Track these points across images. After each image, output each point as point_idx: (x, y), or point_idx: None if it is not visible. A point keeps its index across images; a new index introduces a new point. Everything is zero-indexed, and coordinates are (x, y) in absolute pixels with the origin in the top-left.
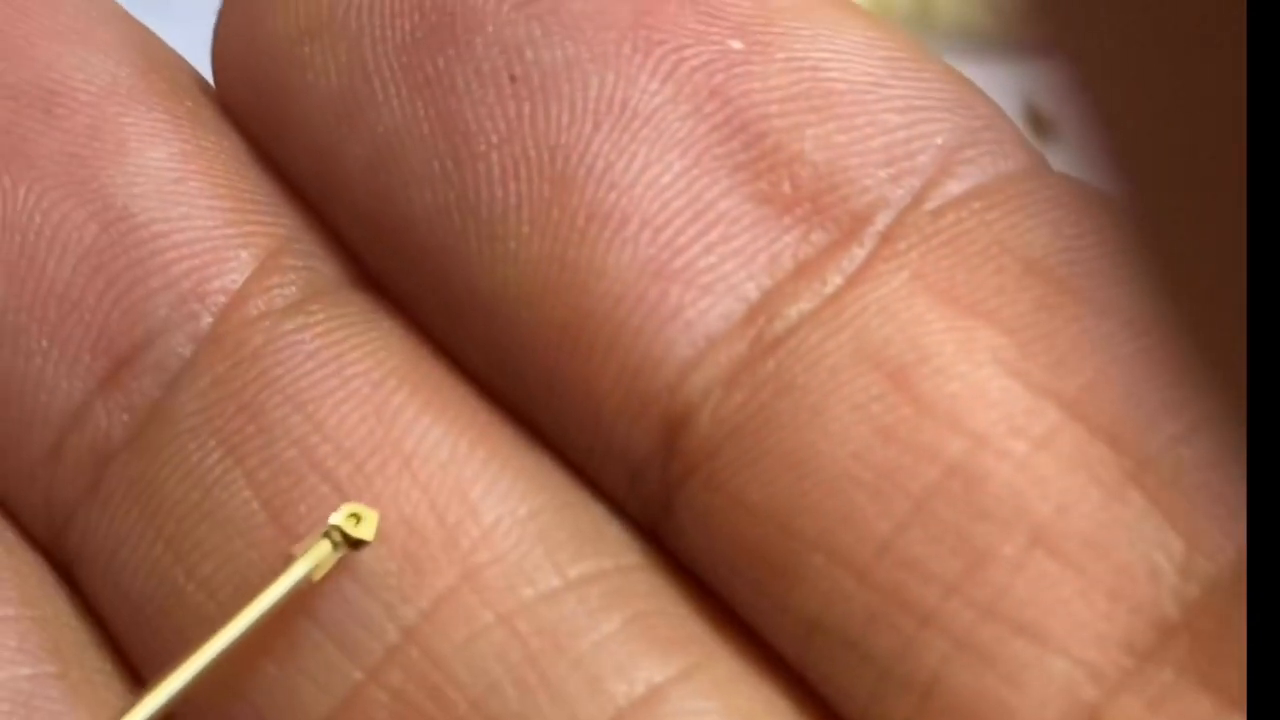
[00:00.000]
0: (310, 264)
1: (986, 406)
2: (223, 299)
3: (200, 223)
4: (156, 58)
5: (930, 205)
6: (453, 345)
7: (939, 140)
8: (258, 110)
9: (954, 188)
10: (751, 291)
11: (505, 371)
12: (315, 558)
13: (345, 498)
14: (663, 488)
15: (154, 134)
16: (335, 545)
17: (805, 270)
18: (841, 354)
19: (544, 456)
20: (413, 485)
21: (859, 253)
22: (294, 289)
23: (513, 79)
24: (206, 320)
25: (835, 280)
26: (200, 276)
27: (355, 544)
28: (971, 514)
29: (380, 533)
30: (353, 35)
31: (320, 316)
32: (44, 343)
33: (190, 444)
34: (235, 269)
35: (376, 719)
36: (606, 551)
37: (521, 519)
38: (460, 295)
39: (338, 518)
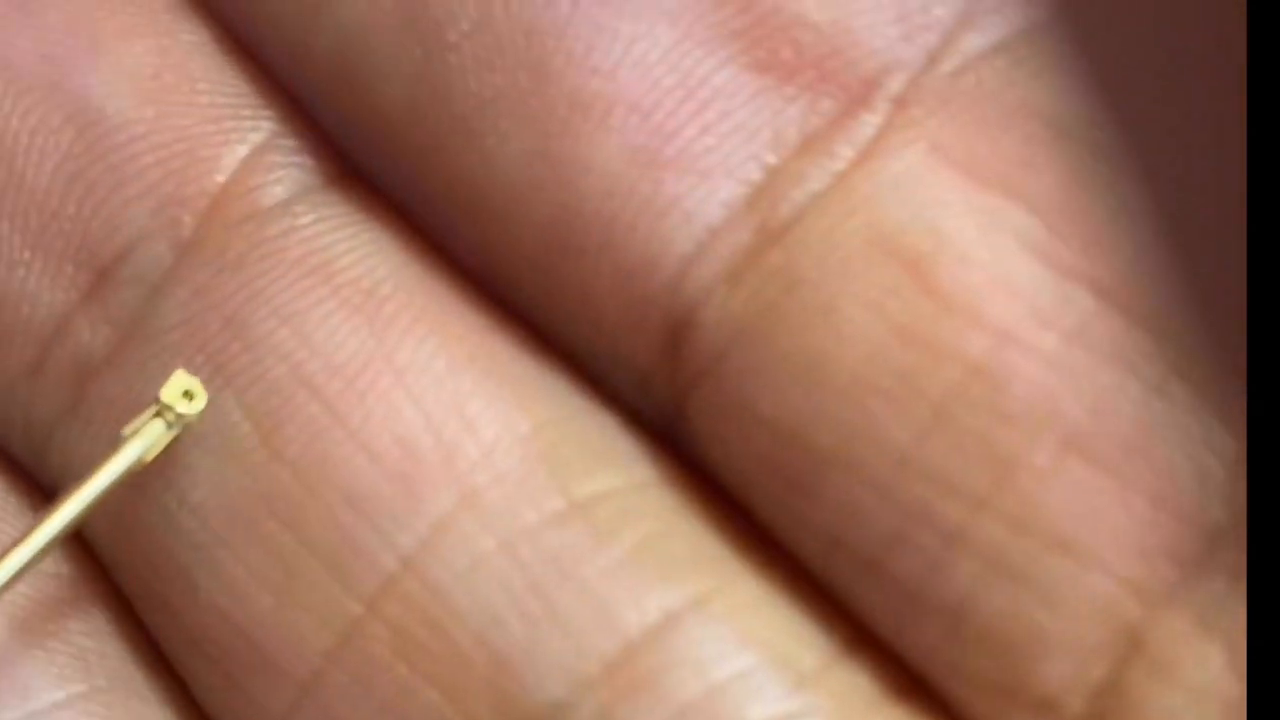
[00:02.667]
0: (295, 161)
1: (1011, 297)
2: (204, 202)
3: (179, 122)
4: None
5: (948, 66)
6: (444, 247)
7: None
8: (229, 2)
9: (974, 43)
10: (754, 172)
11: (498, 275)
12: (148, 438)
13: (338, 418)
14: (673, 394)
15: (130, 30)
16: (169, 425)
17: (812, 145)
18: (853, 243)
19: (546, 365)
20: (407, 401)
21: (870, 122)
22: (279, 188)
23: None
24: (187, 226)
25: (845, 154)
26: (180, 180)
27: (187, 420)
28: (997, 419)
29: (375, 453)
30: None
31: (307, 219)
32: (25, 254)
33: (174, 361)
34: (216, 170)
35: (376, 654)
36: (616, 467)
37: (523, 436)
38: (444, 196)
39: (170, 394)
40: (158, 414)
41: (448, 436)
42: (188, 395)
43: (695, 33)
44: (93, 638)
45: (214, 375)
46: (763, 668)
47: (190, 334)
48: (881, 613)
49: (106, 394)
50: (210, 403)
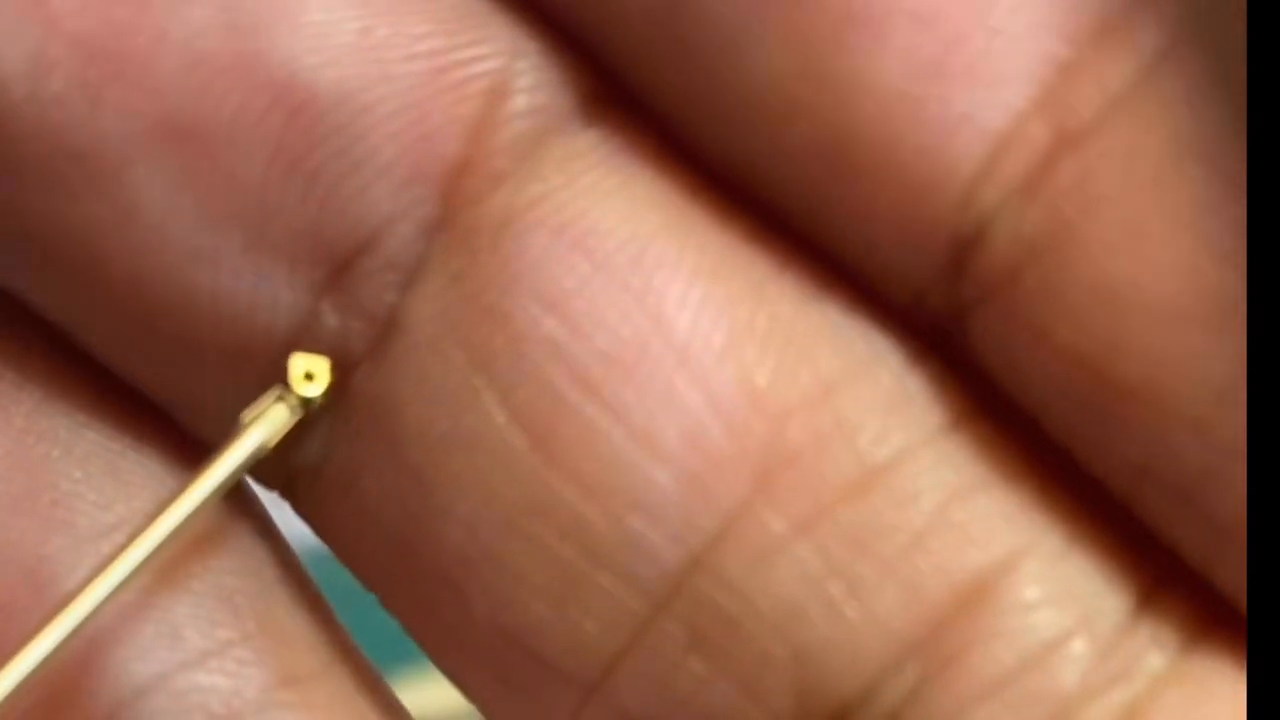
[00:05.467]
0: (537, 98)
1: None
2: (446, 174)
3: (402, 84)
4: None
5: None
6: (706, 168)
7: None
8: None
9: None
10: (1047, 72)
11: (764, 193)
12: (271, 424)
13: (618, 417)
14: (952, 310)
15: None
16: (292, 410)
17: (1112, 29)
18: (1163, 152)
19: (826, 306)
20: (691, 387)
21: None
22: (524, 141)
23: None
24: (433, 204)
25: (1149, 41)
26: (416, 153)
27: (310, 403)
28: None
29: (662, 453)
30: None
31: (559, 180)
32: (249, 259)
33: (430, 359)
34: (454, 133)
35: (669, 652)
36: (907, 418)
37: (814, 400)
38: (703, 113)
39: (292, 376)
40: (279, 398)
41: (737, 420)
42: (309, 377)
43: None
44: (240, 578)
45: (475, 373)
46: (1074, 630)
47: (449, 327)
48: (1192, 544)
49: (366, 391)
50: (472, 405)
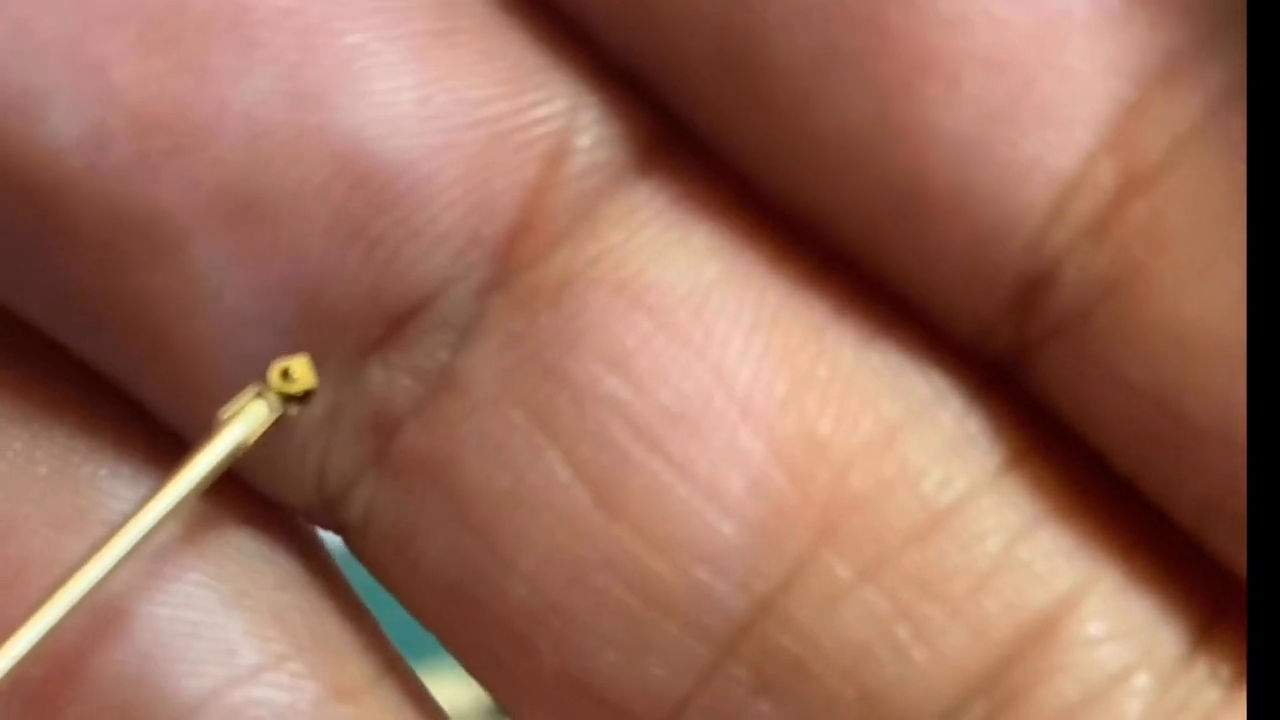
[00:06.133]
0: (597, 155)
1: None
2: (507, 236)
3: (463, 151)
4: None
5: None
6: (772, 209)
7: None
8: None
9: None
10: (1115, 113)
11: (831, 241)
12: (250, 421)
13: (682, 472)
14: (1018, 346)
15: (380, 37)
16: (272, 407)
17: (1179, 68)
18: (1230, 190)
19: (887, 348)
20: (754, 438)
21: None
22: (582, 200)
23: None
24: (491, 266)
25: (1216, 79)
26: (476, 219)
27: (290, 400)
28: None
29: (727, 504)
30: None
31: (618, 238)
32: (301, 323)
33: (491, 417)
34: (514, 196)
35: (736, 696)
36: (969, 459)
37: (878, 446)
38: (765, 159)
39: (272, 374)
40: (259, 395)
41: (800, 467)
42: (286, 375)
43: None
44: (289, 593)
45: (537, 431)
46: (1137, 664)
47: (508, 387)
48: None
49: (414, 448)
50: (534, 463)
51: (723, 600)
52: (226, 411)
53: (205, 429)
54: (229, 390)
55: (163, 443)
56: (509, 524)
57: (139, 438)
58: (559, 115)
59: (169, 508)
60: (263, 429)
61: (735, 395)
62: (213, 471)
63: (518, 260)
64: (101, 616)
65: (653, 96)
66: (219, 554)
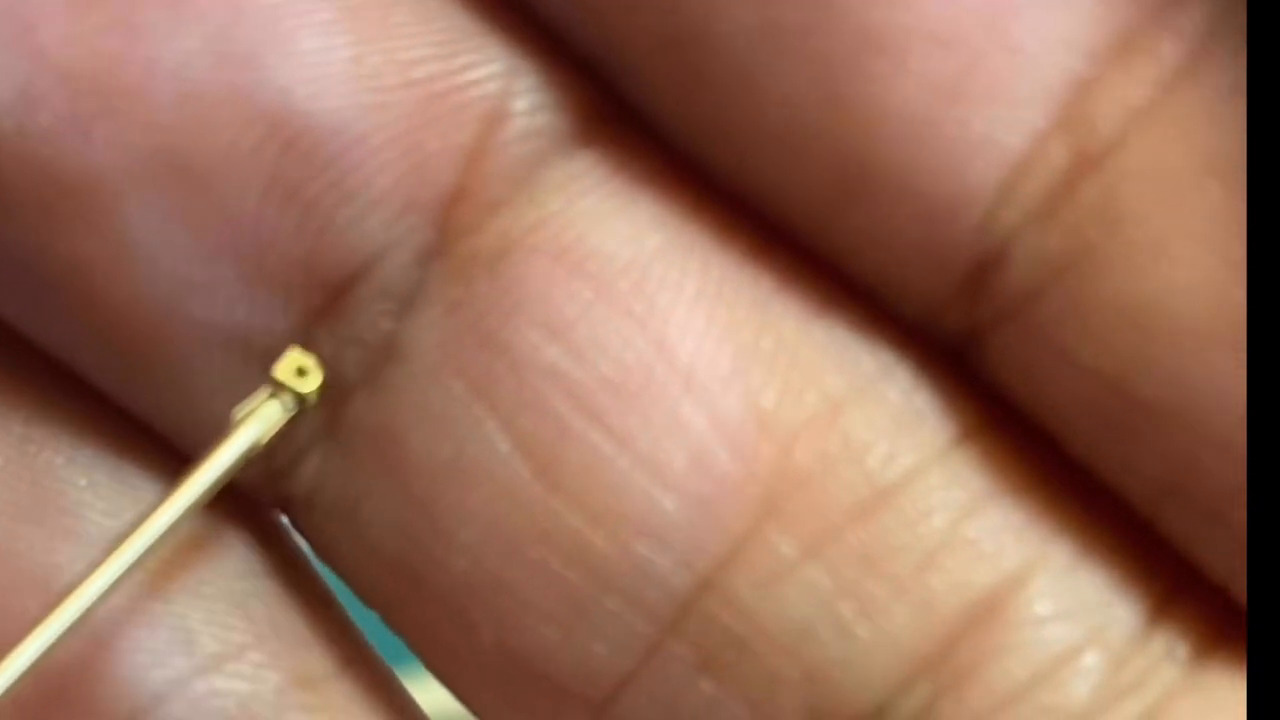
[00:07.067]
0: (535, 121)
1: None
2: (443, 202)
3: (397, 112)
4: None
5: None
6: (710, 188)
7: None
8: None
9: None
10: (1067, 90)
11: (777, 219)
12: (264, 421)
13: (623, 444)
14: (970, 328)
15: (310, 4)
16: (285, 407)
17: (1131, 47)
18: (1185, 168)
19: (832, 323)
20: (697, 412)
21: (1194, 17)
22: (520, 165)
23: None
24: (429, 232)
25: (1170, 54)
26: (412, 183)
27: (304, 399)
28: None
29: (668, 479)
30: None
31: (557, 204)
32: (244, 288)
33: (431, 387)
34: (450, 160)
35: (678, 674)
36: (916, 435)
37: (823, 422)
38: (710, 137)
39: (284, 373)
40: (272, 395)
41: (744, 442)
42: (302, 372)
43: None
44: (251, 581)
45: (476, 401)
46: (1086, 643)
47: (448, 356)
48: (1216, 559)
49: (365, 419)
50: (474, 434)
51: (664, 576)
52: (240, 411)
53: (149, 402)
54: (172, 360)
55: (122, 428)
56: (449, 496)
57: (97, 423)
58: (495, 78)
59: (182, 511)
60: (276, 429)
61: (677, 368)
62: (226, 473)
63: (456, 226)
64: (57, 608)
65: (593, 68)
66: (177, 543)
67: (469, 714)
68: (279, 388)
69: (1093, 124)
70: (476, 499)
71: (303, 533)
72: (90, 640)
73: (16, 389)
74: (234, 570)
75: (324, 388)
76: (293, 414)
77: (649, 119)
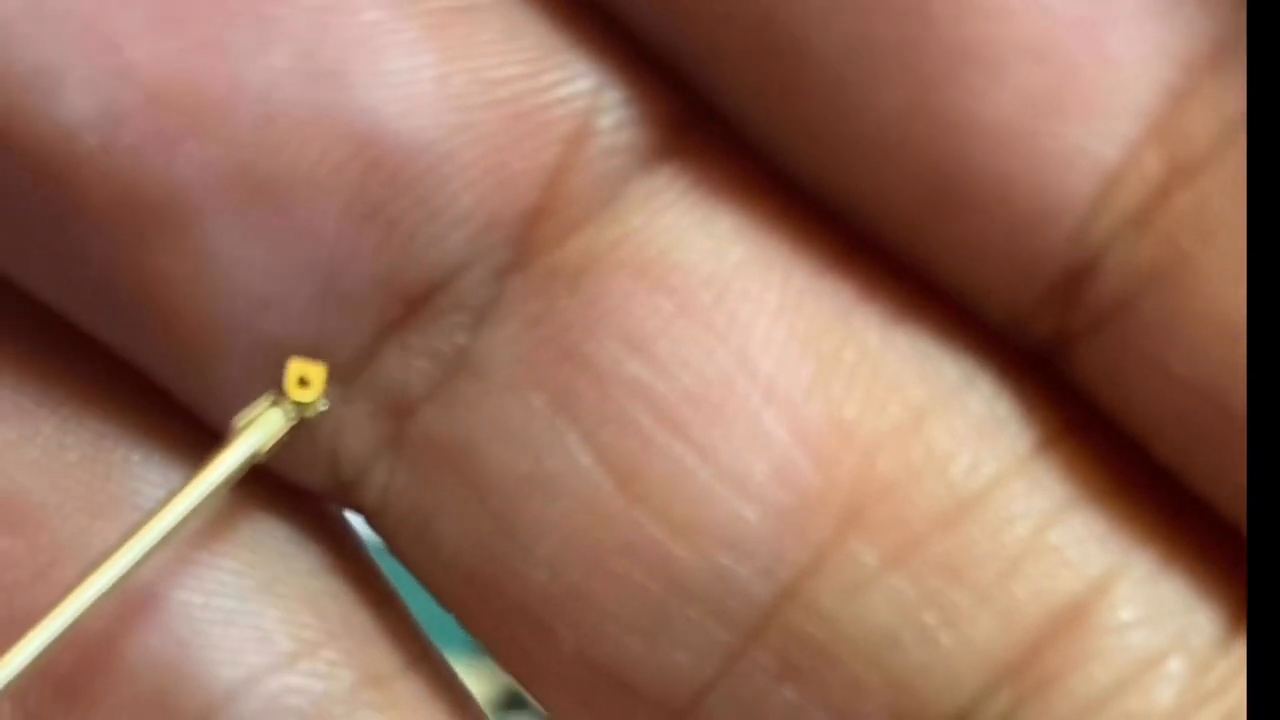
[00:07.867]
0: (619, 138)
1: None
2: (526, 218)
3: (482, 130)
4: None
5: None
6: (794, 199)
7: None
8: None
9: None
10: (1161, 101)
11: (866, 229)
12: (266, 429)
13: (706, 456)
14: (1059, 335)
15: (398, 14)
16: (288, 416)
17: (1226, 53)
18: None
19: (914, 332)
20: (779, 423)
21: None
22: (604, 183)
23: None
24: (510, 248)
25: None
26: (495, 201)
27: (305, 409)
28: None
29: (750, 490)
30: None
31: (639, 220)
32: (317, 306)
33: (508, 401)
34: (533, 178)
35: (760, 683)
36: (999, 444)
37: (905, 431)
38: (799, 146)
39: (287, 382)
40: (274, 403)
41: (826, 452)
42: (304, 382)
43: None
44: (322, 580)
45: (556, 415)
46: (1169, 650)
47: (528, 370)
48: None
49: (430, 432)
50: (555, 447)
51: (746, 586)
52: (242, 419)
53: (220, 412)
54: (244, 372)
55: (195, 427)
56: (528, 508)
57: (171, 422)
58: (581, 96)
59: (181, 517)
60: (278, 437)
61: (759, 379)
62: (226, 481)
63: (537, 243)
64: (135, 603)
65: (681, 80)
66: (251, 541)
67: (488, 703)
68: (281, 395)
69: (1187, 135)
70: (556, 511)
71: (383, 539)
72: (164, 636)
73: (93, 386)
74: (307, 568)
75: (325, 396)
76: (294, 422)
77: (738, 130)
